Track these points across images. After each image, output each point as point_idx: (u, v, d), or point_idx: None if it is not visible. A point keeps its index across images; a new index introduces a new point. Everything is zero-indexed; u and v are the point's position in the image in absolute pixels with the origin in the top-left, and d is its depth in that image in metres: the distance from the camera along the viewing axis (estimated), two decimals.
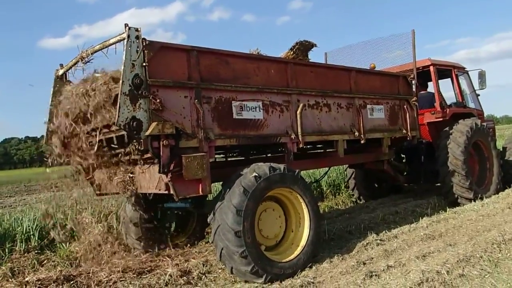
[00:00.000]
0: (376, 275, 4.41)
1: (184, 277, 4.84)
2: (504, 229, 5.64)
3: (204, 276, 4.96)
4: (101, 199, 7.68)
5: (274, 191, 4.99)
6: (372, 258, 5.09)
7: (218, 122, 4.88)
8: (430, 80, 9.21)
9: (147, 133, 4.21)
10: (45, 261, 6.00)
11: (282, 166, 5.00)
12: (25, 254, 6.18)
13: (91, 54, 4.97)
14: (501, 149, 9.82)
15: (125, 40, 4.20)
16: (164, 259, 5.55)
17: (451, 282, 4.11)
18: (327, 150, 7.14)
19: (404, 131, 7.53)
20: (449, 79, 9.53)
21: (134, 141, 4.34)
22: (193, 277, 4.91)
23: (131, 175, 4.99)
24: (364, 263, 4.90)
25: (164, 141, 4.26)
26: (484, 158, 8.89)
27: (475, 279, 4.18)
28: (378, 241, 5.82)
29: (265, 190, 4.80)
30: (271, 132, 5.39)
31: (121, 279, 4.84)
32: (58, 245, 6.54)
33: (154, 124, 4.24)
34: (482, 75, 9.62)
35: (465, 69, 9.90)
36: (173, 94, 4.53)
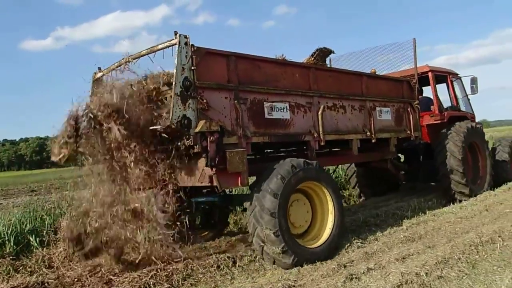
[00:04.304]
0: (356, 277, 4.43)
1: (167, 282, 4.84)
2: (481, 231, 5.72)
3: (185, 280, 4.95)
4: (81, 203, 7.67)
5: (306, 184, 5.53)
6: (353, 261, 5.14)
7: (253, 121, 5.38)
8: (427, 85, 9.87)
9: (196, 130, 4.68)
10: (21, 268, 5.80)
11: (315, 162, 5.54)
12: (0, 260, 5.93)
13: (134, 59, 5.39)
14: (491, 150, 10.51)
15: (176, 46, 4.67)
16: (144, 262, 5.34)
17: (430, 284, 4.13)
18: (334, 149, 7.64)
19: (408, 131, 8.15)
20: (444, 84, 10.20)
21: (184, 137, 4.76)
22: (175, 282, 4.91)
23: (171, 170, 5.39)
24: (345, 266, 4.95)
25: (211, 137, 4.72)
26: (477, 158, 9.55)
27: (453, 280, 4.23)
28: (359, 243, 5.85)
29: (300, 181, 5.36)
30: (297, 131, 5.91)
31: (92, 284, 4.86)
32: (34, 251, 6.33)
33: (202, 122, 4.70)
34: (474, 81, 10.32)
35: (458, 75, 10.61)
36: (216, 95, 5.02)
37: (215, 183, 4.91)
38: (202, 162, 4.91)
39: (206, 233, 7.02)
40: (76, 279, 4.84)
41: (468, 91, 10.56)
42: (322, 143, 6.19)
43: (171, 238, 5.96)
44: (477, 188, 9.08)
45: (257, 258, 5.50)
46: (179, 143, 4.92)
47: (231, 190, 7.17)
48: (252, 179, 5.51)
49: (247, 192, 6.29)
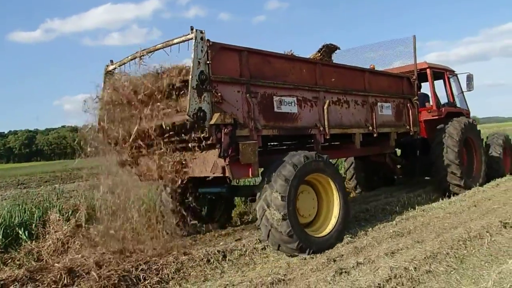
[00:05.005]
0: (346, 272, 4.45)
1: (157, 276, 4.84)
2: (469, 227, 5.77)
3: (175, 274, 4.97)
4: (70, 196, 7.75)
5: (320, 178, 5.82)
6: (342, 255, 5.17)
7: (263, 114, 5.56)
8: (424, 81, 10.12)
9: (211, 122, 4.85)
10: (9, 261, 5.79)
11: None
12: None
13: (149, 53, 5.52)
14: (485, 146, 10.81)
15: (193, 41, 4.82)
16: (131, 256, 5.30)
17: (418, 278, 4.19)
18: (334, 143, 7.84)
19: (408, 126, 8.39)
20: (441, 80, 10.45)
21: (199, 129, 4.92)
22: (165, 275, 4.92)
23: (183, 162, 5.56)
24: (335, 260, 4.98)
25: (225, 130, 4.89)
26: (472, 153, 9.84)
27: (441, 275, 4.28)
28: (349, 238, 5.90)
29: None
30: (303, 125, 6.10)
31: (81, 277, 4.74)
32: (23, 244, 6.31)
33: (217, 114, 4.87)
34: (470, 78, 10.58)
35: (455, 72, 10.87)
36: (229, 89, 5.18)
37: (227, 174, 5.09)
38: (215, 153, 5.06)
39: (211, 223, 7.18)
40: (64, 272, 4.71)
41: (464, 88, 10.84)
42: (327, 137, 6.38)
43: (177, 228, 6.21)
44: (471, 182, 9.36)
45: (247, 252, 5.60)
46: (193, 135, 5.08)
47: (237, 181, 7.34)
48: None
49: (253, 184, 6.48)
